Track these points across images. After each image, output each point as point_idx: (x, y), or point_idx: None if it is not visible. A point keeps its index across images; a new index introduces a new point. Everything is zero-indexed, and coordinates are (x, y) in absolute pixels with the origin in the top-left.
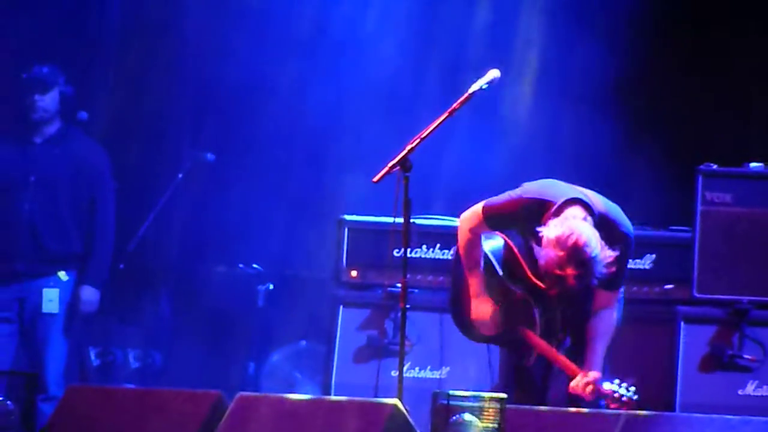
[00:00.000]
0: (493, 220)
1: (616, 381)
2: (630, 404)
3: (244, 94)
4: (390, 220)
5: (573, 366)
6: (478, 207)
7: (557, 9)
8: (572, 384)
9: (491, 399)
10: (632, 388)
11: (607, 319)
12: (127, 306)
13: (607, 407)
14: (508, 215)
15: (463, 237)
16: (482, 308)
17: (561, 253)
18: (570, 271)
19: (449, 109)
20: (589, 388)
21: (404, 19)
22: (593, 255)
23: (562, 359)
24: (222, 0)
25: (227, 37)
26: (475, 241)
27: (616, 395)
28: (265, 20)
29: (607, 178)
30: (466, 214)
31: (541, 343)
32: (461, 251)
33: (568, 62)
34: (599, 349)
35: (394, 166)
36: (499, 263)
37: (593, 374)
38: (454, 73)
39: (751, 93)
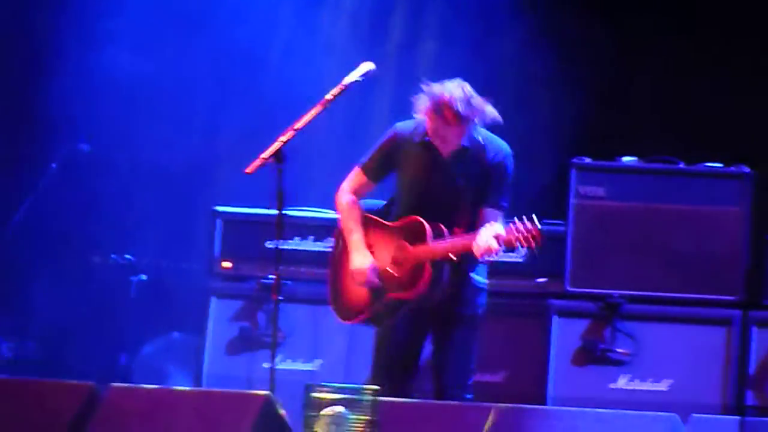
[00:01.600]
0: (373, 170)
1: (513, 222)
2: (537, 233)
3: (121, 85)
4: (264, 211)
5: (467, 239)
6: (354, 170)
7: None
8: (475, 249)
9: (364, 391)
10: (533, 217)
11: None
12: (0, 296)
13: (522, 247)
14: (386, 153)
15: (343, 202)
16: (360, 259)
17: (437, 116)
18: (452, 131)
19: (322, 101)
20: (492, 241)
21: (287, 23)
22: (466, 99)
23: (455, 241)
24: None
25: (108, 28)
26: (355, 204)
27: (522, 233)
28: (145, 13)
29: None
30: (344, 183)
31: (435, 247)
32: (343, 218)
33: (445, 54)
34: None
35: (268, 157)
36: (379, 215)
37: (489, 228)
38: (328, 65)
39: (628, 86)
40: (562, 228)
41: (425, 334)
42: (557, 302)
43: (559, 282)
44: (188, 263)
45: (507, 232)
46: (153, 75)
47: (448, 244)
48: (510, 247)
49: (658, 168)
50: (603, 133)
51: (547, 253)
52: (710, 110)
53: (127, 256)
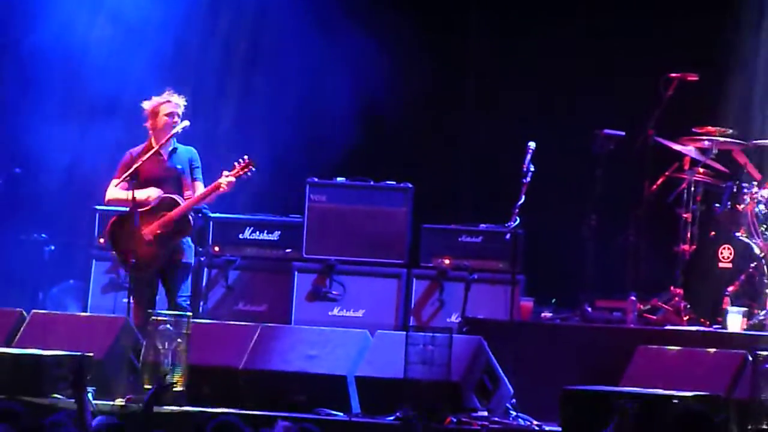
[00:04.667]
0: (121, 174)
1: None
2: (249, 163)
3: None
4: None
5: (209, 189)
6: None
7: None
8: (220, 189)
9: (182, 316)
10: (245, 157)
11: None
12: None
13: (247, 173)
14: (129, 161)
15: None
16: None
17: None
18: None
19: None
20: (225, 181)
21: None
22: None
23: (203, 192)
24: None
25: None
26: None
27: (240, 170)
28: None
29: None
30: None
31: (190, 201)
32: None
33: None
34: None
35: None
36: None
37: (221, 181)
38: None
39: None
40: (301, 219)
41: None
42: (297, 263)
43: (298, 251)
44: (78, 238)
45: (233, 170)
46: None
47: (200, 196)
48: (239, 176)
49: (357, 184)
50: (326, 159)
51: (290, 235)
52: (393, 150)
53: (43, 235)
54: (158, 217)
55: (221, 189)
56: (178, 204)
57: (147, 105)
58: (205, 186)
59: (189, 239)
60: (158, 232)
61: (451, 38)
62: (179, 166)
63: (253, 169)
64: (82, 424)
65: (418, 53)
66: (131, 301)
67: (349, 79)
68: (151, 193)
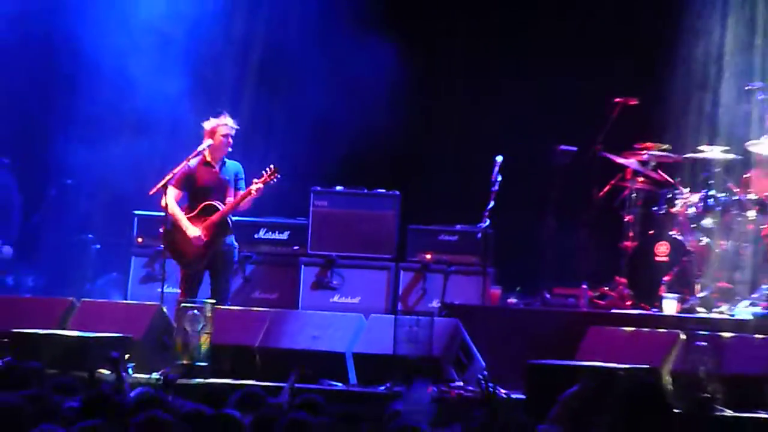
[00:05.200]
0: (179, 183)
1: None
2: (275, 171)
3: None
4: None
5: (242, 195)
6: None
7: None
8: (251, 195)
9: (207, 303)
10: (271, 166)
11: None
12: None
13: (273, 180)
14: (187, 171)
15: (171, 208)
16: (193, 230)
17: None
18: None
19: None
20: (255, 188)
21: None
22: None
23: (237, 199)
24: None
25: None
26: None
27: (267, 177)
28: None
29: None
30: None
31: (228, 206)
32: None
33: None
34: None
35: (166, 183)
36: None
37: (252, 188)
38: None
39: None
40: (306, 221)
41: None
42: (303, 258)
43: (304, 248)
44: (119, 238)
45: (261, 178)
46: None
47: (241, 197)
48: (267, 183)
49: (353, 191)
50: (328, 169)
51: (299, 234)
52: (384, 162)
53: (90, 235)
54: (201, 221)
55: (252, 195)
56: (218, 209)
57: (207, 125)
58: None
59: (233, 240)
60: (203, 234)
61: (434, 62)
62: (227, 177)
63: (278, 176)
64: (122, 394)
65: (402, 79)
66: (163, 290)
67: (347, 100)
68: (194, 233)
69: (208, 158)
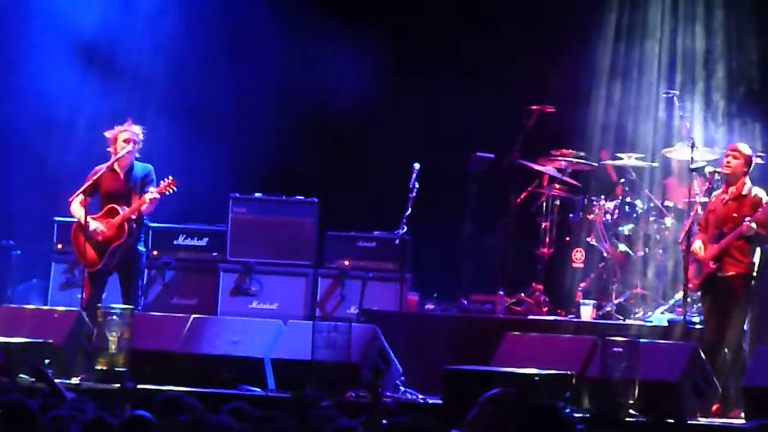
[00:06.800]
0: (86, 189)
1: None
2: (172, 182)
3: None
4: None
5: (137, 204)
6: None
7: None
8: (145, 204)
9: (126, 309)
10: (170, 177)
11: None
12: None
13: (164, 194)
14: (93, 177)
15: (75, 213)
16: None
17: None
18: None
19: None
20: (149, 197)
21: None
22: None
23: (133, 207)
24: None
25: None
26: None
27: (164, 188)
28: None
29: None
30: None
31: (128, 211)
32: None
33: None
34: None
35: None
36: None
37: (146, 196)
38: None
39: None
40: (225, 228)
41: None
42: (222, 265)
43: (223, 254)
44: (39, 244)
45: (158, 187)
46: None
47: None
48: (162, 193)
49: (271, 198)
50: (247, 175)
51: (218, 240)
52: (302, 169)
53: (11, 241)
54: (105, 223)
55: (146, 203)
56: (119, 213)
57: (109, 134)
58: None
59: (141, 245)
60: (102, 237)
61: (352, 70)
62: (131, 184)
63: (175, 189)
64: (61, 396)
65: (321, 85)
66: (83, 295)
67: (268, 106)
68: (98, 227)
69: (114, 165)
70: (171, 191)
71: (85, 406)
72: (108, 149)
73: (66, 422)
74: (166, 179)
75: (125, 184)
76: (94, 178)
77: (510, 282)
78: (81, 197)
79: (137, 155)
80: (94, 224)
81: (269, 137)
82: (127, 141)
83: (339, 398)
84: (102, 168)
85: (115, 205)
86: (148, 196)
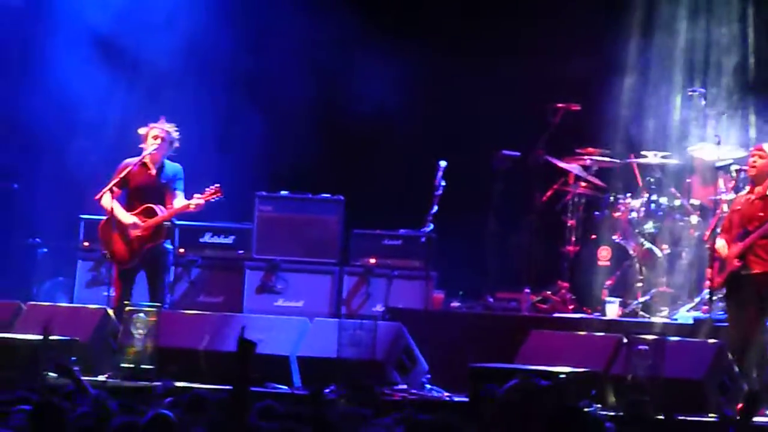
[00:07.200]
0: (117, 182)
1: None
2: (218, 190)
3: None
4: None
5: (181, 207)
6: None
7: None
8: (190, 208)
9: (152, 306)
10: (217, 185)
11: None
12: None
13: (209, 202)
14: (122, 170)
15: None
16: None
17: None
18: None
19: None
20: (195, 203)
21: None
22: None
23: (176, 209)
24: None
25: None
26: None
27: (209, 195)
28: None
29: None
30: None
31: (168, 213)
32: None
33: None
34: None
35: (113, 186)
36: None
37: (191, 202)
38: None
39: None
40: (251, 226)
41: None
42: (248, 262)
43: (249, 252)
44: (66, 242)
45: (203, 194)
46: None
47: (171, 213)
48: (209, 200)
49: (297, 196)
50: (273, 174)
51: (244, 238)
52: (329, 167)
53: (37, 239)
54: (141, 221)
55: (190, 209)
56: (157, 214)
57: (141, 130)
58: (186, 198)
59: (169, 243)
60: (138, 235)
61: (379, 69)
62: (164, 180)
63: (221, 196)
64: (86, 392)
65: (347, 84)
66: (113, 293)
67: (295, 105)
68: (130, 220)
69: (146, 160)
70: (215, 199)
71: (108, 404)
72: (141, 146)
73: (91, 420)
74: (211, 186)
75: (157, 180)
76: (124, 172)
77: (535, 280)
78: (111, 191)
79: (172, 154)
80: (131, 218)
81: (296, 135)
82: (156, 137)
83: (363, 396)
84: (131, 162)
85: (152, 205)
86: (193, 202)
